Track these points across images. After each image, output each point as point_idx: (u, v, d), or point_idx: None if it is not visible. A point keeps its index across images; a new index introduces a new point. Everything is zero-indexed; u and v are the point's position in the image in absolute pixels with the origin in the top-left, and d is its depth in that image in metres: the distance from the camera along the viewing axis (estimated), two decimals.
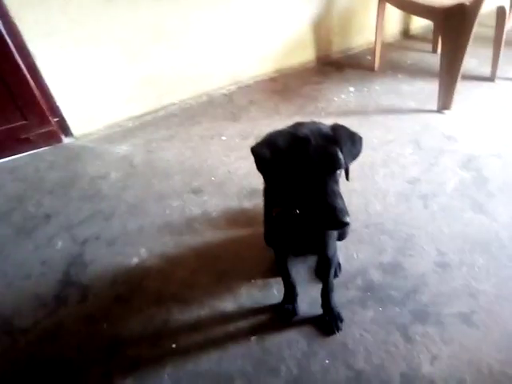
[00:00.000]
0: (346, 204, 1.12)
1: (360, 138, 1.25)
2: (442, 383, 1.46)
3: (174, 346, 1.67)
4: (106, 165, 2.72)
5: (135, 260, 2.04)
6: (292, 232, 1.40)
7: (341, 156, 1.12)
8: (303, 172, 1.10)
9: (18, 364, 1.68)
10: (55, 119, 2.89)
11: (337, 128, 1.19)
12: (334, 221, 1.08)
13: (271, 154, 1.12)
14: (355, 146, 1.23)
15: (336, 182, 1.14)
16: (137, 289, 1.91)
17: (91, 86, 2.88)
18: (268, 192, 1.42)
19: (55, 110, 2.87)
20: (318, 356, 1.58)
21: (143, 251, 2.08)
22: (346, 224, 1.08)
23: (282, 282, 1.73)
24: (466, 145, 2.46)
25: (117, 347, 1.69)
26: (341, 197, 1.12)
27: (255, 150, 1.16)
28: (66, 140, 2.98)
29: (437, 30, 3.19)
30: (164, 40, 2.94)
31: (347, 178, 1.27)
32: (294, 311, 1.72)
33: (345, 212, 1.08)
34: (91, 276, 1.99)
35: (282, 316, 1.72)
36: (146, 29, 2.85)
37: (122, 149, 2.84)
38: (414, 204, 2.14)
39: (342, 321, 1.67)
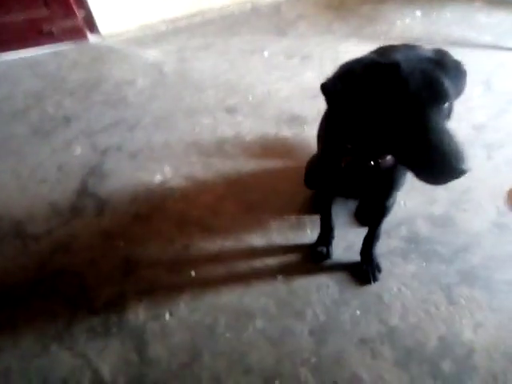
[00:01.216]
0: None
1: (465, 72, 0.98)
2: (483, 353, 1.32)
3: (193, 273, 1.56)
4: (133, 70, 2.48)
5: (158, 177, 1.88)
6: (353, 181, 1.19)
7: (448, 84, 0.86)
8: (395, 105, 0.85)
9: (27, 270, 1.60)
10: (81, 13, 2.61)
11: (442, 53, 0.94)
12: (449, 169, 0.83)
13: (344, 85, 0.90)
14: (460, 80, 0.96)
15: (444, 118, 0.88)
16: (158, 209, 1.77)
17: None
18: (333, 135, 1.16)
19: (82, 2, 2.57)
20: (348, 305, 1.45)
21: (167, 169, 1.91)
22: (465, 172, 0.83)
23: (317, 222, 1.56)
24: None
25: (133, 267, 1.59)
26: (454, 136, 0.85)
27: (324, 85, 0.93)
28: (91, 38, 2.72)
29: None
30: None
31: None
32: (328, 254, 1.57)
33: (461, 155, 0.83)
34: (110, 189, 1.85)
35: (314, 257, 1.57)
36: None
37: (152, 54, 2.58)
38: (476, 153, 1.88)
39: (380, 271, 1.52)
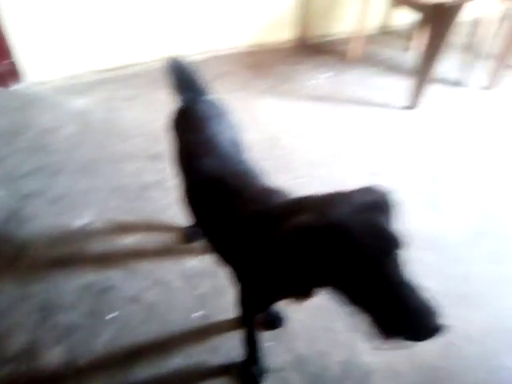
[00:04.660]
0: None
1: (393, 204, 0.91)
2: (379, 373, 1.47)
3: (111, 315, 1.58)
4: (59, 117, 2.52)
5: (80, 222, 1.91)
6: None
7: (393, 229, 0.81)
8: (350, 265, 0.78)
9: None
10: (8, 59, 2.63)
11: (374, 193, 0.90)
12: (419, 329, 0.74)
13: (297, 251, 0.84)
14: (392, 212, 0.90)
15: (401, 267, 0.79)
16: (78, 252, 1.79)
17: (53, 30, 2.65)
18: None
19: (8, 50, 2.61)
20: (261, 338, 1.53)
21: (90, 213, 1.95)
22: (438, 330, 0.74)
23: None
24: (429, 145, 2.49)
25: (49, 313, 1.58)
26: (417, 288, 0.76)
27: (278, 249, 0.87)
28: (18, 85, 2.74)
29: (418, 28, 3.19)
30: None
31: None
32: (262, 372, 1.47)
33: (433, 311, 0.74)
34: (29, 233, 1.85)
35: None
36: None
37: (80, 103, 2.65)
38: None
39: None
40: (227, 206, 1.15)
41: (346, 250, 0.77)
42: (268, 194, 1.14)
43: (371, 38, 3.52)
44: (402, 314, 0.74)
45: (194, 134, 1.37)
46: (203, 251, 1.80)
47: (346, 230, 0.78)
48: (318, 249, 0.80)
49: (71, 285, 1.68)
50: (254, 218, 1.05)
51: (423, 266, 1.80)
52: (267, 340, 1.53)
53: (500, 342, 1.59)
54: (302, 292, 0.96)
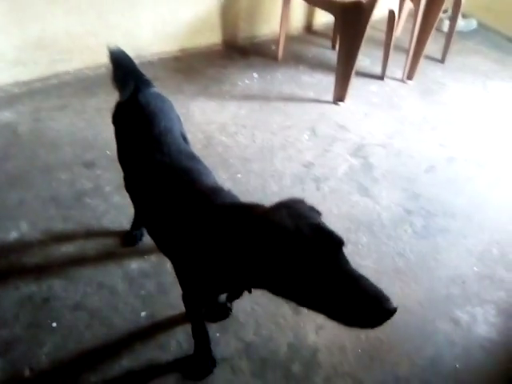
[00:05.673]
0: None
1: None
2: (325, 350, 1.57)
3: (54, 324, 1.56)
4: None
5: (14, 234, 1.85)
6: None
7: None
8: (301, 264, 0.84)
9: None
10: None
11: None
12: (379, 313, 0.80)
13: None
14: None
15: (348, 261, 0.88)
16: (14, 265, 1.74)
17: None
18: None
19: None
20: (209, 329, 1.57)
21: (24, 225, 1.89)
22: (395, 311, 0.80)
23: None
24: (356, 134, 2.65)
25: None
26: (367, 278, 0.84)
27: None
28: None
29: (336, 26, 3.37)
30: (59, 2, 2.69)
31: None
32: (214, 362, 1.50)
33: (384, 295, 0.82)
34: None
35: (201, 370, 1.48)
36: None
37: (5, 115, 2.54)
38: (307, 186, 2.25)
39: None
40: (178, 200, 1.18)
41: (300, 249, 0.84)
42: (216, 191, 1.20)
43: (298, 38, 3.67)
44: (362, 304, 0.81)
45: (144, 127, 1.37)
46: (146, 252, 1.82)
47: (299, 232, 0.87)
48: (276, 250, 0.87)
49: (10, 298, 1.63)
50: (203, 215, 1.10)
51: (358, 247, 1.95)
52: (216, 331, 1.58)
53: (433, 309, 1.75)
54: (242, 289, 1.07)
